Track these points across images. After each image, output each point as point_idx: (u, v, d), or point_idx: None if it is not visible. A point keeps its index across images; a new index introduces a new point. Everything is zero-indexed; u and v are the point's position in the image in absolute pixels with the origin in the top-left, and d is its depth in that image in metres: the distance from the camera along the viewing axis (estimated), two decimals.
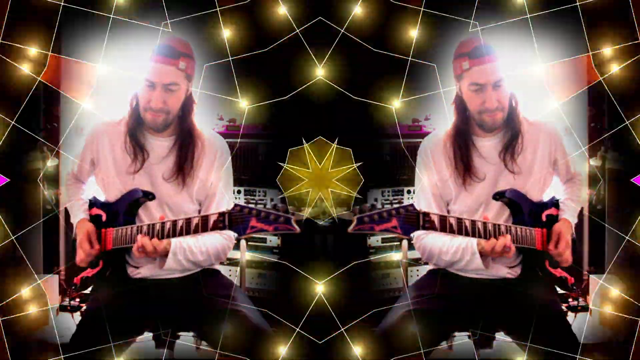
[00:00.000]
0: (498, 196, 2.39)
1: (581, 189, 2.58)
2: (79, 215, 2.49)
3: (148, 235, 2.31)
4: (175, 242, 2.36)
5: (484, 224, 2.30)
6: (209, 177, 2.47)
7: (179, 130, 2.45)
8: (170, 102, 2.38)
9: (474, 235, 2.29)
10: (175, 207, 2.45)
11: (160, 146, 2.45)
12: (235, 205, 2.24)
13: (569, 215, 2.46)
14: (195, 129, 2.48)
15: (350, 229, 2.21)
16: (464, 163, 2.42)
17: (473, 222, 2.29)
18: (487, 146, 2.44)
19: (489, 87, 2.34)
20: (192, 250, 2.40)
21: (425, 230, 2.25)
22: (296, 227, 2.21)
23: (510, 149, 2.42)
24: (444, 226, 2.27)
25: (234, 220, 2.24)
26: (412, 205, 2.24)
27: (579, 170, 2.56)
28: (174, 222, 2.31)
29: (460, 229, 2.28)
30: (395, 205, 2.23)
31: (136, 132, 2.44)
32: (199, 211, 2.50)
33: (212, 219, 2.27)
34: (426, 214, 2.25)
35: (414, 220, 2.23)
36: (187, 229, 2.29)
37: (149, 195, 2.41)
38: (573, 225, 2.45)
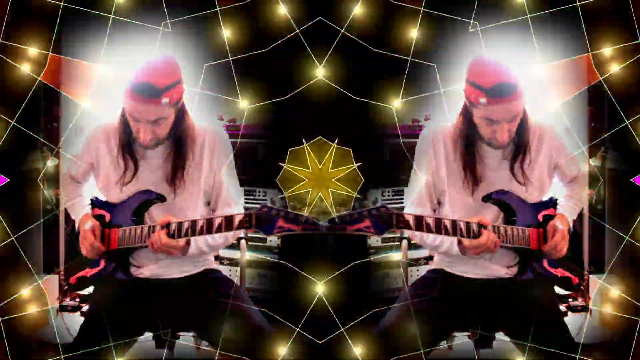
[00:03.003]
0: (487, 198, 2.38)
1: (583, 189, 2.56)
2: (82, 212, 2.46)
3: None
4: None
5: (467, 223, 2.27)
6: (211, 172, 2.44)
7: (174, 137, 2.38)
8: (159, 131, 2.31)
9: (455, 235, 2.27)
10: (178, 211, 2.41)
11: (158, 152, 2.40)
12: (263, 206, 2.23)
13: (565, 210, 2.44)
14: (190, 132, 2.40)
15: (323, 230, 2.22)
16: (472, 173, 2.38)
17: (454, 222, 2.27)
18: (490, 155, 2.41)
19: (503, 122, 2.27)
20: (212, 236, 2.38)
21: (399, 229, 2.24)
22: (324, 228, 2.22)
23: (519, 161, 2.38)
24: (420, 226, 2.25)
25: (260, 220, 2.22)
26: (384, 206, 2.22)
27: (583, 171, 2.53)
28: (193, 223, 2.27)
29: (439, 228, 2.26)
30: (371, 206, 2.23)
31: (130, 145, 2.39)
32: (208, 203, 2.47)
33: (238, 218, 2.25)
34: (400, 214, 2.24)
35: (387, 220, 2.22)
36: (209, 228, 2.27)
37: (161, 197, 2.39)
38: (570, 220, 2.43)
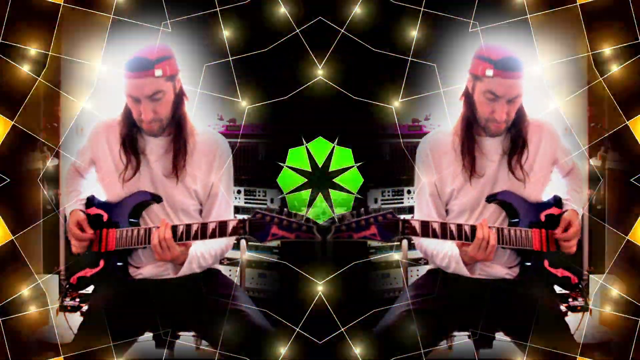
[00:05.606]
0: (491, 198, 2.39)
1: (581, 179, 2.59)
2: (73, 206, 2.48)
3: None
4: (191, 251, 2.38)
5: (472, 227, 2.29)
6: (209, 177, 2.46)
7: (173, 125, 2.42)
8: (160, 110, 2.34)
9: (460, 239, 2.29)
10: (175, 204, 2.44)
11: (159, 145, 2.44)
12: (256, 212, 2.24)
13: (575, 205, 2.46)
14: (187, 121, 2.44)
15: (328, 237, 2.23)
16: (470, 157, 2.40)
17: (459, 226, 2.29)
18: (488, 144, 2.43)
19: (503, 100, 2.31)
20: (204, 257, 2.43)
21: (404, 236, 2.25)
22: (318, 235, 2.23)
23: (516, 155, 2.40)
24: (426, 231, 2.27)
25: (254, 227, 2.24)
26: (391, 212, 2.24)
27: (576, 162, 2.55)
28: (188, 226, 2.30)
29: (445, 233, 2.28)
30: (374, 213, 2.23)
31: (133, 136, 2.42)
32: (200, 211, 2.50)
33: (232, 224, 2.27)
34: (406, 221, 2.25)
35: (393, 226, 2.23)
36: (204, 233, 2.29)
37: (157, 198, 2.40)
38: (579, 216, 2.45)
